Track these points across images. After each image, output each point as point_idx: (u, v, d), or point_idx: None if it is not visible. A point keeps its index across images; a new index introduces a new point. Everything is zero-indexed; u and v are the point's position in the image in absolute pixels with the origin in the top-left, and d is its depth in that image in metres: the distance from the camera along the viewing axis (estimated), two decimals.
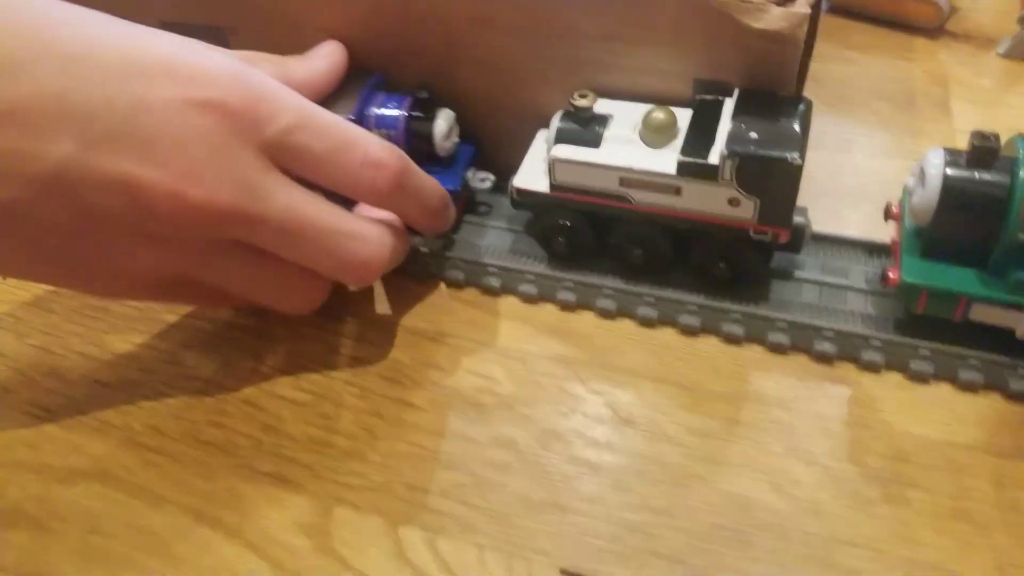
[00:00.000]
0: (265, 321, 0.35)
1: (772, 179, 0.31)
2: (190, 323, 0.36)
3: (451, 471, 0.29)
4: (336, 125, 0.30)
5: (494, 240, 0.39)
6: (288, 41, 0.36)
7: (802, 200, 0.32)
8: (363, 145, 0.30)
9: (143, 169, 0.26)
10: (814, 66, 0.46)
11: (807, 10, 0.31)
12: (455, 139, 0.38)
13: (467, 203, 0.40)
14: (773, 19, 0.31)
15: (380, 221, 0.32)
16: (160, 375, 0.33)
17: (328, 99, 0.37)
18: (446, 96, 0.38)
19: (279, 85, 0.30)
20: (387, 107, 0.37)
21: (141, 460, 0.30)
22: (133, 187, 0.26)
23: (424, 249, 0.37)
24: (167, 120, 0.27)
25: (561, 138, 0.34)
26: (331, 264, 0.31)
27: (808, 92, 0.34)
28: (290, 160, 0.29)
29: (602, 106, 0.35)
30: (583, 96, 0.33)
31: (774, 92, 0.33)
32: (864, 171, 0.41)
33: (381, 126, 0.37)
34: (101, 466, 0.30)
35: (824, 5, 0.52)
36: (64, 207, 0.27)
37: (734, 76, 0.34)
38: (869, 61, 0.46)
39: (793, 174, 0.30)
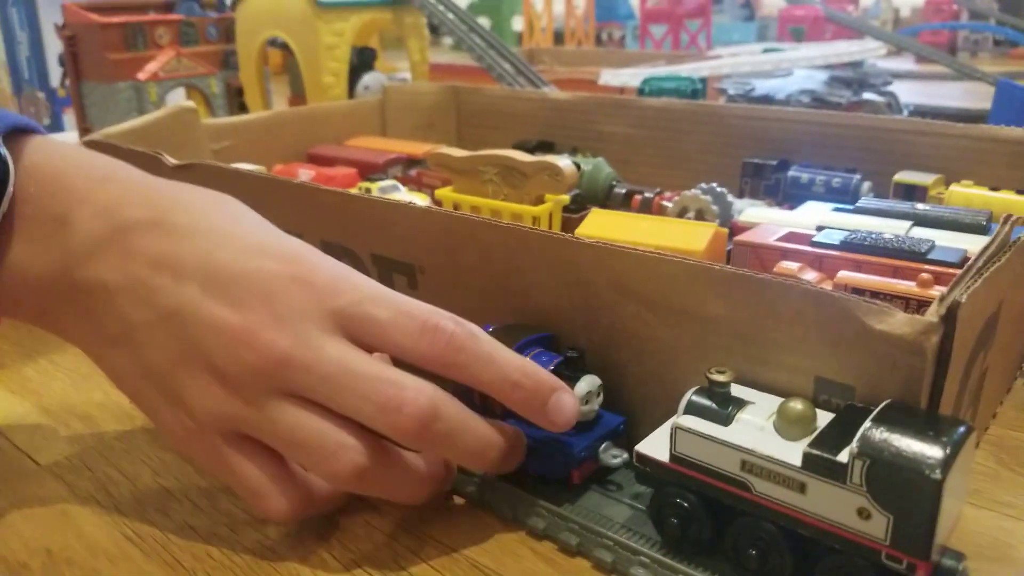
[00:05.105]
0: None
1: (907, 493, 0.27)
2: None
3: None
4: (401, 297, 0.34)
5: (608, 511, 0.37)
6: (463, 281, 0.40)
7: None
8: (426, 315, 0.33)
9: (235, 315, 0.33)
10: (1000, 432, 0.42)
11: (935, 319, 0.29)
12: (595, 406, 0.38)
13: (592, 473, 0.39)
14: (897, 323, 0.30)
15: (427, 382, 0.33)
16: None
17: None
18: (600, 365, 0.39)
19: (365, 278, 0.35)
20: (536, 361, 0.38)
21: None
22: (224, 327, 0.33)
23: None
24: (269, 287, 0.33)
25: (690, 410, 0.33)
26: (369, 410, 0.32)
27: (993, 461, 0.30)
28: (359, 329, 0.33)
29: (745, 394, 0.34)
30: (720, 372, 0.33)
31: (930, 411, 0.31)
32: None
33: None
34: None
35: None
36: (173, 336, 0.33)
37: (858, 381, 0.32)
38: None
39: (930, 491, 0.27)
